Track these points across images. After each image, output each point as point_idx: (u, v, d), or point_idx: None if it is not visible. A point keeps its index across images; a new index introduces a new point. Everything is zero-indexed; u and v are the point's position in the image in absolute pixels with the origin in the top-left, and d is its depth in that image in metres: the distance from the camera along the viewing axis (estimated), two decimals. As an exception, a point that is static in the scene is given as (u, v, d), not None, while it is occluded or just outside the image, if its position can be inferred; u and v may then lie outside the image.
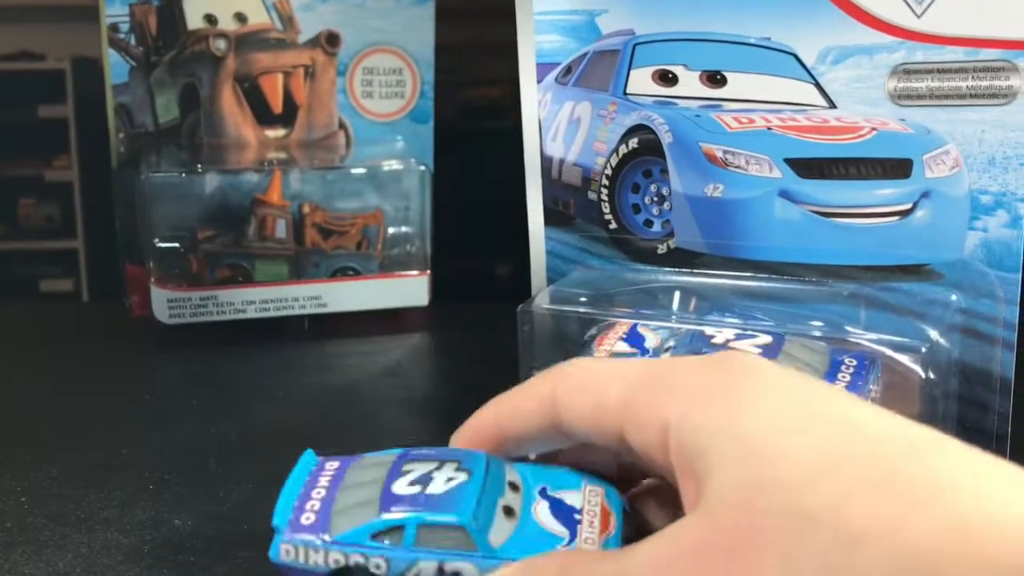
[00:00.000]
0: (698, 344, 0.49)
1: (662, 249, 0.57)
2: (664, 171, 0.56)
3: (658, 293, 0.57)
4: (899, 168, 0.51)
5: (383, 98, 0.88)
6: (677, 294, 0.55)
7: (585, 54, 0.57)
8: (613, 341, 0.53)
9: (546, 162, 0.59)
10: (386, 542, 0.33)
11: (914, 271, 0.52)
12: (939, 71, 0.49)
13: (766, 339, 0.49)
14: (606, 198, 0.58)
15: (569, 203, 0.59)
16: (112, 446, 0.58)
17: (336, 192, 0.85)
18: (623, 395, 0.32)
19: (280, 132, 0.86)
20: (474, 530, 0.33)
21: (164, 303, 0.77)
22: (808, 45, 0.52)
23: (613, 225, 0.58)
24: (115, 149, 0.83)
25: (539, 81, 0.58)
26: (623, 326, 0.54)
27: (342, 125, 0.88)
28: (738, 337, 0.49)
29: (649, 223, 0.58)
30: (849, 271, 0.53)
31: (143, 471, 0.54)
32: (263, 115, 0.86)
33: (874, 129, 0.51)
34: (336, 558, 0.33)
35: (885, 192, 0.51)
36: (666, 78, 0.55)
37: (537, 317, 0.55)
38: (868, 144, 0.51)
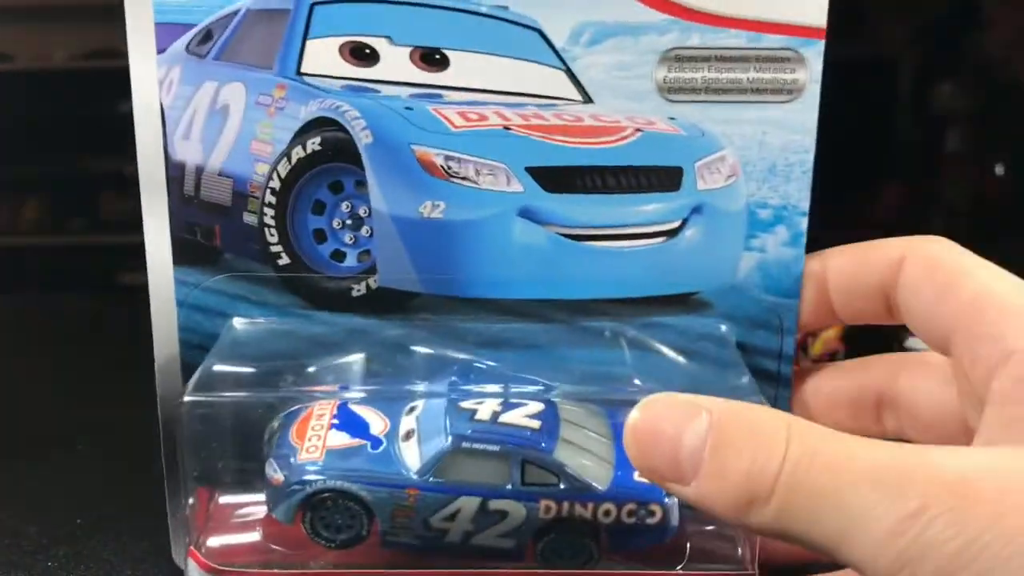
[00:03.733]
0: (459, 424, 0.36)
1: (359, 290, 0.41)
2: (361, 184, 0.40)
3: (355, 351, 0.41)
4: (667, 178, 0.41)
5: None
6: (409, 355, 0.40)
7: (234, 14, 0.38)
8: (321, 431, 0.37)
9: (175, 171, 0.39)
10: None
11: (681, 301, 0.42)
12: (717, 59, 0.39)
13: (537, 406, 0.37)
14: (272, 221, 0.41)
15: (213, 231, 0.41)
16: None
17: None
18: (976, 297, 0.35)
19: None
20: None
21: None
22: (558, 19, 0.38)
23: (284, 260, 0.41)
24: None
25: (161, 50, 0.38)
26: (325, 408, 0.39)
27: None
28: (505, 407, 0.37)
29: (339, 255, 0.41)
30: (604, 306, 0.42)
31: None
32: None
33: (638, 130, 0.40)
34: None
35: (650, 208, 0.41)
36: (362, 54, 0.39)
37: (197, 411, 0.37)
38: (631, 149, 0.40)
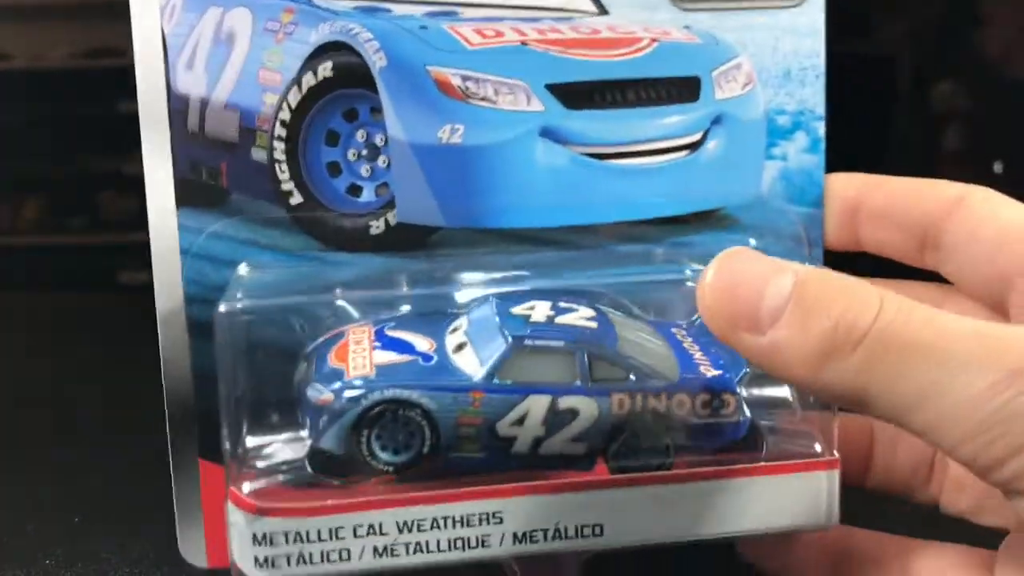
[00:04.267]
0: (516, 326, 0.34)
1: (377, 228, 0.39)
2: (376, 110, 0.38)
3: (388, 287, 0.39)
4: (685, 89, 0.40)
5: None
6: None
7: (240, -71, 0.37)
8: (364, 353, 0.34)
9: (177, 104, 0.37)
10: None
11: (705, 218, 0.41)
12: (727, -37, 0.39)
13: (589, 311, 0.36)
14: (283, 156, 0.38)
15: (219, 169, 0.38)
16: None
17: None
18: None
19: None
20: None
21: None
22: (570, -75, 0.38)
23: (297, 198, 0.39)
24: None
25: (162, -28, 0.36)
26: (361, 333, 0.36)
27: None
28: (557, 311, 0.35)
29: (356, 190, 0.39)
30: (631, 228, 0.41)
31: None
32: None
33: (655, 40, 0.39)
34: None
35: (671, 121, 0.40)
36: (374, -30, 0.38)
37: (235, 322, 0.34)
38: (648, 60, 0.39)
